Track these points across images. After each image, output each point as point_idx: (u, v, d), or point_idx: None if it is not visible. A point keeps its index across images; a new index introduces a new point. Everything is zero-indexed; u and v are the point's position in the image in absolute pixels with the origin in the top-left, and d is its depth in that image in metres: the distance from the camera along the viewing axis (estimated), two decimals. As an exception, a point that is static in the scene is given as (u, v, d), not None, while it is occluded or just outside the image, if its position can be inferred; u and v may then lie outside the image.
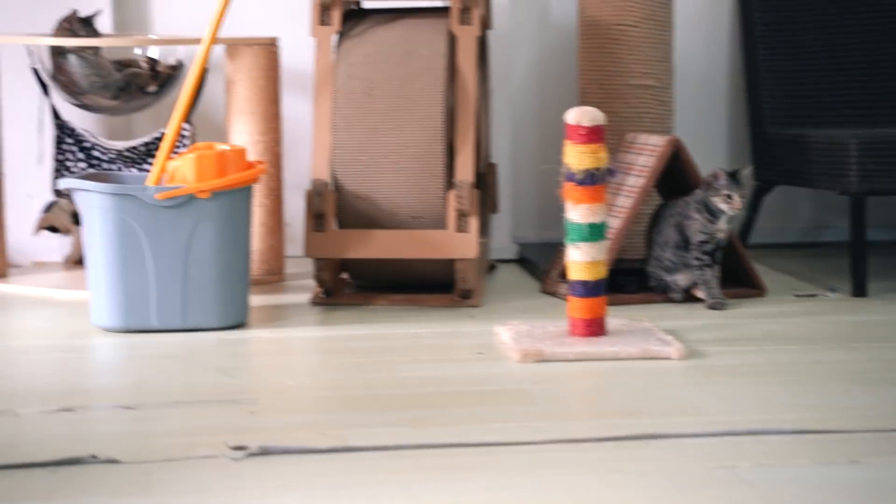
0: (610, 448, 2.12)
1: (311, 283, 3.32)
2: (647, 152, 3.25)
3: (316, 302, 3.20)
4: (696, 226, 3.13)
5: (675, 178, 3.27)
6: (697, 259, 3.15)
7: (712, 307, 3.14)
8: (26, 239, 3.61)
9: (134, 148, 3.44)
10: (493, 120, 3.77)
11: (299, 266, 3.59)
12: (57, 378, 2.54)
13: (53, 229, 3.47)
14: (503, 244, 3.82)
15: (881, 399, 2.39)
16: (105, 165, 3.44)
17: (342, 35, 3.26)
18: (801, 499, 1.89)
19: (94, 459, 2.05)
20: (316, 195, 3.15)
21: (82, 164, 3.43)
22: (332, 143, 3.18)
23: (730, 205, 3.09)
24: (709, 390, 2.45)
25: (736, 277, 3.30)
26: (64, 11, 3.36)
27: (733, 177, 3.10)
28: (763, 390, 2.45)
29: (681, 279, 3.20)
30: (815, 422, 2.24)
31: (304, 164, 3.64)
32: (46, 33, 3.37)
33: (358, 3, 3.46)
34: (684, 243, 3.17)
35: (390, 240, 3.14)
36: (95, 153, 3.43)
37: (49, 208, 3.48)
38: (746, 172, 3.14)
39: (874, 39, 3.89)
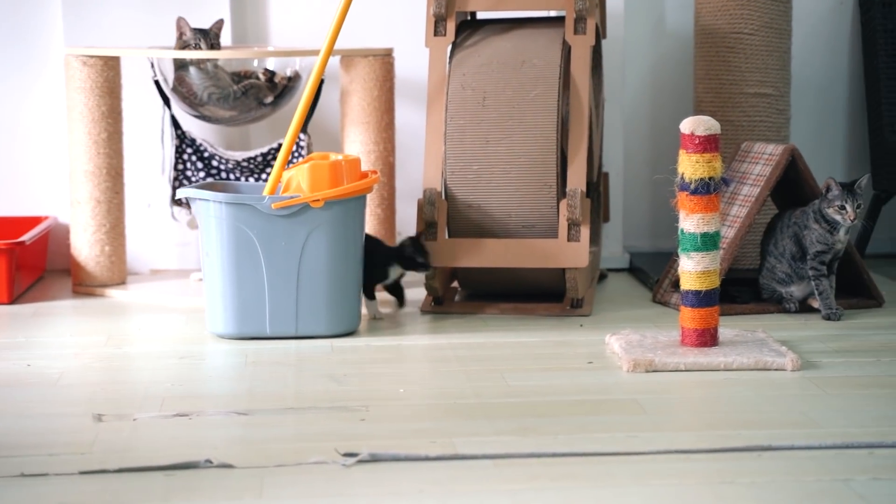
0: (721, 459, 2.10)
1: (422, 291, 3.34)
2: (762, 161, 3.21)
3: (426, 310, 3.21)
4: (815, 235, 3.09)
5: (791, 187, 3.22)
6: (814, 269, 3.10)
7: (828, 318, 3.09)
8: (145, 247, 3.69)
9: (252, 158, 3.48)
10: (606, 129, 3.75)
11: (410, 274, 3.61)
12: (172, 384, 2.59)
13: None
14: (614, 253, 3.80)
15: None
16: (223, 175, 3.49)
17: (456, 45, 3.28)
18: (918, 514, 1.85)
19: (208, 464, 2.08)
20: (428, 204, 3.16)
21: (202, 174, 3.49)
22: (444, 153, 3.20)
23: (843, 216, 3.04)
24: (823, 402, 2.42)
25: (852, 288, 3.25)
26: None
27: (850, 187, 3.05)
28: (879, 402, 2.41)
29: (796, 291, 3.15)
30: (934, 436, 2.20)
31: (416, 174, 3.66)
32: (168, 46, 3.44)
33: (472, 15, 3.47)
34: (801, 254, 3.12)
35: (501, 249, 3.14)
36: (214, 163, 3.49)
37: None
38: (864, 182, 3.08)
39: None
